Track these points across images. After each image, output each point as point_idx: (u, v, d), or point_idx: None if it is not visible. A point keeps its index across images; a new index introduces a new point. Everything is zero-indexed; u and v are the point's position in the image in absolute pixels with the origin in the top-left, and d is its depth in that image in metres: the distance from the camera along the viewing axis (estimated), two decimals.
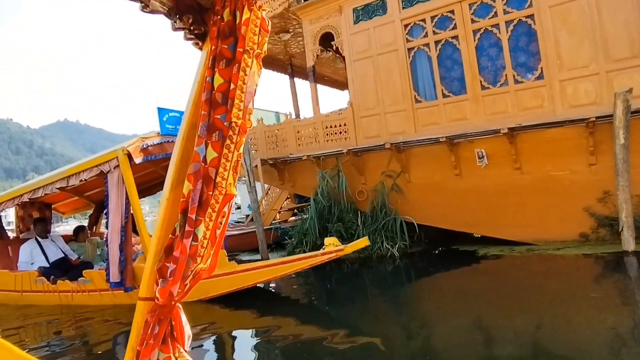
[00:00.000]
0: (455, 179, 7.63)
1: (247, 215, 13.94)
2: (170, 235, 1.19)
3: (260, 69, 1.24)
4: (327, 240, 4.96)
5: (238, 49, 1.20)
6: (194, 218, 1.13)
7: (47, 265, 6.44)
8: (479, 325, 4.05)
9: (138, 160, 5.49)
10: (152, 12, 1.25)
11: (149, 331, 1.16)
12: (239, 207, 25.89)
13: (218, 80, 1.20)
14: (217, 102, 1.19)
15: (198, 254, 1.15)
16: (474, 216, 7.51)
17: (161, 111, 6.12)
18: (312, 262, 5.00)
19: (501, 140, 6.91)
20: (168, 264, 1.15)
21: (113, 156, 5.46)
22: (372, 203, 8.35)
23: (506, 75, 7.02)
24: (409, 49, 7.95)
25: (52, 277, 6.18)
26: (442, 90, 7.65)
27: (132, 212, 5.42)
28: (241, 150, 1.20)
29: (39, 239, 6.73)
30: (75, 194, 7.70)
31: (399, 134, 7.98)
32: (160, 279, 1.15)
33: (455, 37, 7.43)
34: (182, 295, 1.17)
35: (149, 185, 7.59)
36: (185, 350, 1.21)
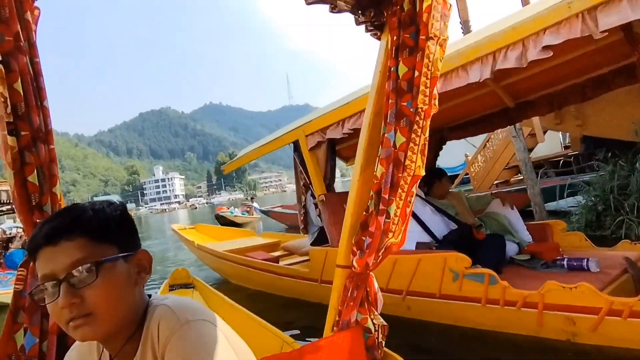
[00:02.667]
0: None
1: None
2: (364, 212, 1.36)
3: (443, 54, 1.30)
4: None
5: (421, 37, 1.28)
6: (386, 198, 1.28)
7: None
8: None
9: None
10: (339, 11, 1.41)
11: (349, 294, 1.37)
12: None
13: (402, 69, 1.31)
14: (403, 90, 1.30)
15: (390, 230, 1.30)
16: None
17: None
18: None
19: None
20: (364, 238, 1.34)
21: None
22: None
23: None
24: None
25: None
26: None
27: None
28: (427, 134, 1.30)
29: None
30: None
31: None
32: (358, 251, 1.34)
33: None
34: (376, 265, 1.35)
35: None
36: (379, 314, 1.40)
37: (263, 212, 15.62)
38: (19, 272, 1.34)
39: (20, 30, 1.23)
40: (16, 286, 1.33)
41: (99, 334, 0.72)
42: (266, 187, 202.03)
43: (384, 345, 1.38)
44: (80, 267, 0.70)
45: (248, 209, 18.13)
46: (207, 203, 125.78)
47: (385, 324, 1.37)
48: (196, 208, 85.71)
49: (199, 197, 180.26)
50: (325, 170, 3.98)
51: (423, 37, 1.27)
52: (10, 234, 11.64)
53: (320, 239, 4.18)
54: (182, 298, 0.82)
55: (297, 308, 4.09)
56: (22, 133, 1.23)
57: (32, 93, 1.26)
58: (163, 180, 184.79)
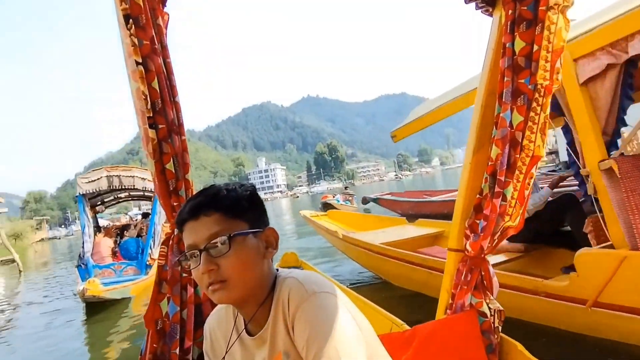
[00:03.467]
0: None
1: (564, 163, 12.01)
2: (478, 195, 1.34)
3: (568, 22, 1.21)
4: None
5: (540, 8, 1.21)
6: (502, 180, 1.25)
7: None
8: None
9: None
10: None
11: (462, 278, 1.36)
12: (551, 153, 22.60)
13: (519, 44, 1.25)
14: (520, 66, 1.25)
15: (506, 213, 1.27)
16: None
17: None
18: None
19: None
20: (478, 221, 1.32)
21: None
22: None
23: None
24: None
25: None
26: None
27: None
28: (547, 112, 1.23)
29: None
30: None
31: None
32: (472, 234, 1.33)
33: None
34: (491, 249, 1.32)
35: None
36: (495, 299, 1.37)
37: (372, 199, 14.98)
38: (161, 249, 1.55)
39: (154, 34, 1.38)
40: (159, 261, 1.56)
41: (232, 299, 0.84)
42: (364, 176, 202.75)
43: (500, 330, 1.35)
44: (216, 239, 0.82)
45: (349, 197, 17.78)
46: (307, 192, 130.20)
47: (502, 308, 1.34)
48: (297, 197, 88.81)
49: (300, 186, 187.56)
50: (609, 117, 2.46)
51: (543, 8, 1.20)
52: (136, 220, 11.27)
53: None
54: (308, 272, 0.91)
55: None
56: (160, 126, 1.39)
57: (166, 90, 1.41)
58: (266, 171, 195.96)
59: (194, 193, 0.97)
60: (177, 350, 1.47)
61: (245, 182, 0.93)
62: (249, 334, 0.91)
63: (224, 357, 0.93)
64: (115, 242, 7.62)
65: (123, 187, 7.39)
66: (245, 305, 0.89)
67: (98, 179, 7.19)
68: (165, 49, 1.43)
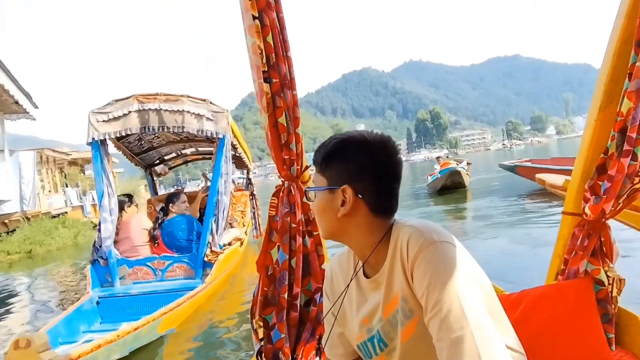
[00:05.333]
0: None
1: None
2: (602, 155, 1.25)
3: None
4: None
5: None
6: (633, 137, 1.15)
7: None
8: None
9: None
10: None
11: (578, 243, 1.30)
12: None
13: None
14: None
15: (636, 174, 1.17)
16: None
17: None
18: None
19: None
20: (601, 183, 1.24)
21: None
22: None
23: None
24: None
25: None
26: None
27: None
28: None
29: None
30: None
31: None
32: (592, 196, 1.26)
33: None
34: (614, 213, 1.24)
35: None
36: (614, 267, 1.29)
37: (506, 167, 12.83)
38: (272, 201, 1.69)
39: None
40: (270, 211, 1.72)
41: (322, 236, 1.04)
42: (468, 145, 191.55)
43: (618, 300, 1.28)
44: (308, 189, 1.00)
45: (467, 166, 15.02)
46: (407, 160, 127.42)
47: (622, 277, 1.26)
48: None
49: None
50: None
51: None
52: (238, 183, 9.56)
53: None
54: (426, 221, 0.93)
55: None
56: (274, 80, 1.46)
57: (279, 45, 1.47)
58: None
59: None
60: (286, 295, 1.62)
61: (358, 135, 0.95)
62: (366, 276, 0.98)
63: (342, 295, 1.01)
64: (158, 221, 4.80)
65: (167, 128, 4.47)
66: (357, 249, 0.97)
67: (124, 115, 4.34)
68: (279, 4, 1.47)
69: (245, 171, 8.48)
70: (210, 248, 4.42)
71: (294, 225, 1.65)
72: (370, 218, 0.93)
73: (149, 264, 4.37)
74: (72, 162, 21.76)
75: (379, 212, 0.93)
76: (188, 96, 4.52)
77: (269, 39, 1.43)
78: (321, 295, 1.65)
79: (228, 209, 4.78)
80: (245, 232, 6.48)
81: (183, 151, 7.30)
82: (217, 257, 4.43)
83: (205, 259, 4.37)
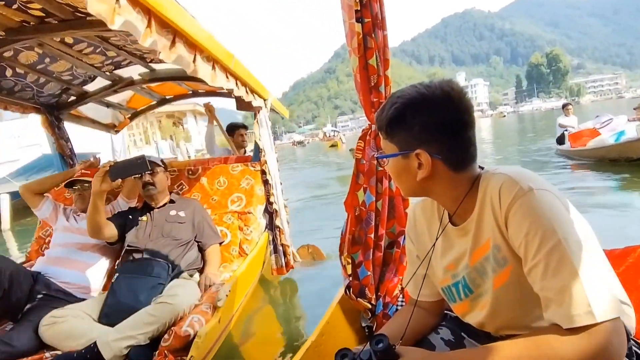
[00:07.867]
0: None
1: None
2: None
3: None
4: None
5: None
6: None
7: None
8: None
9: None
10: None
11: None
12: None
13: None
14: None
15: None
16: None
17: None
18: None
19: None
20: None
21: None
22: None
23: None
24: None
25: None
26: None
27: None
28: None
29: None
30: None
31: None
32: None
33: None
34: None
35: None
36: None
37: None
38: (358, 144, 1.73)
39: None
40: (357, 154, 1.76)
41: (404, 195, 1.12)
42: (594, 92, 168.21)
43: None
44: (380, 157, 1.00)
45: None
46: (514, 111, 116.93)
47: None
48: (504, 116, 77.81)
49: (505, 104, 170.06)
50: None
51: None
52: (329, 135, 8.81)
53: None
54: (518, 167, 0.91)
55: None
56: (365, 20, 1.46)
57: None
58: (465, 87, 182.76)
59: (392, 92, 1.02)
60: (372, 235, 1.71)
61: (416, 91, 0.91)
62: (453, 223, 1.00)
63: (434, 244, 1.05)
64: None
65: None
66: (438, 200, 1.01)
67: None
68: None
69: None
70: None
71: (380, 169, 1.70)
72: (451, 174, 0.92)
73: None
74: (169, 115, 23.51)
75: (460, 166, 0.92)
76: None
77: None
78: (404, 239, 1.71)
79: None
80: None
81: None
82: None
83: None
